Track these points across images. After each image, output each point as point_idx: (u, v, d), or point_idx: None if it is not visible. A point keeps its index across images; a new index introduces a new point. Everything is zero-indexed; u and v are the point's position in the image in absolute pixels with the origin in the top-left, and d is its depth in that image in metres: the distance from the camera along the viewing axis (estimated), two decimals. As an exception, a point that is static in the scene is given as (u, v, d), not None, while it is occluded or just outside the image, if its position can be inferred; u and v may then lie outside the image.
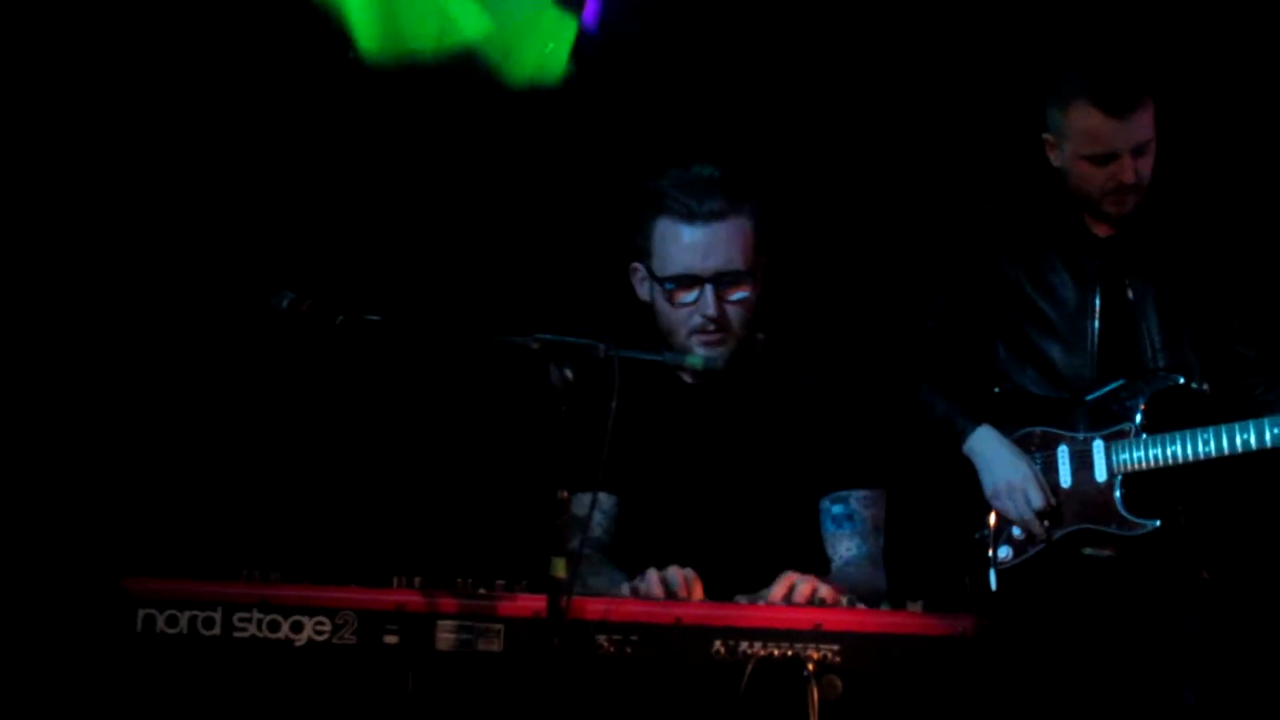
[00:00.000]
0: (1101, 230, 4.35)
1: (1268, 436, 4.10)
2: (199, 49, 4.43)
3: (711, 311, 3.68)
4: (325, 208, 4.71)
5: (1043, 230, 4.38)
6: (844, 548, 3.71)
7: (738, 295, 3.71)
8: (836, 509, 3.73)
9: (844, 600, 3.22)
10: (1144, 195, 4.28)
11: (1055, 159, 4.31)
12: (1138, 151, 4.20)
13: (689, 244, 3.68)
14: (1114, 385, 4.29)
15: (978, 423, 4.31)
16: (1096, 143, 4.19)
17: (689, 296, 3.70)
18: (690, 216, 3.68)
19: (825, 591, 3.26)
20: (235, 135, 4.50)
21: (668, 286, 3.71)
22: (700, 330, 3.70)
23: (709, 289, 3.68)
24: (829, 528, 3.73)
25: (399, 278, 4.72)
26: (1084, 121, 4.19)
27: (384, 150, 4.78)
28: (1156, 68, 4.28)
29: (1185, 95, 4.67)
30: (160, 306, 4.43)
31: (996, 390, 4.40)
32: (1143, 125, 4.19)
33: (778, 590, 3.28)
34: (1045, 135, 4.32)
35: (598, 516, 3.73)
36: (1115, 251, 4.34)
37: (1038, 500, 4.23)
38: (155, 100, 4.38)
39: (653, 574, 3.33)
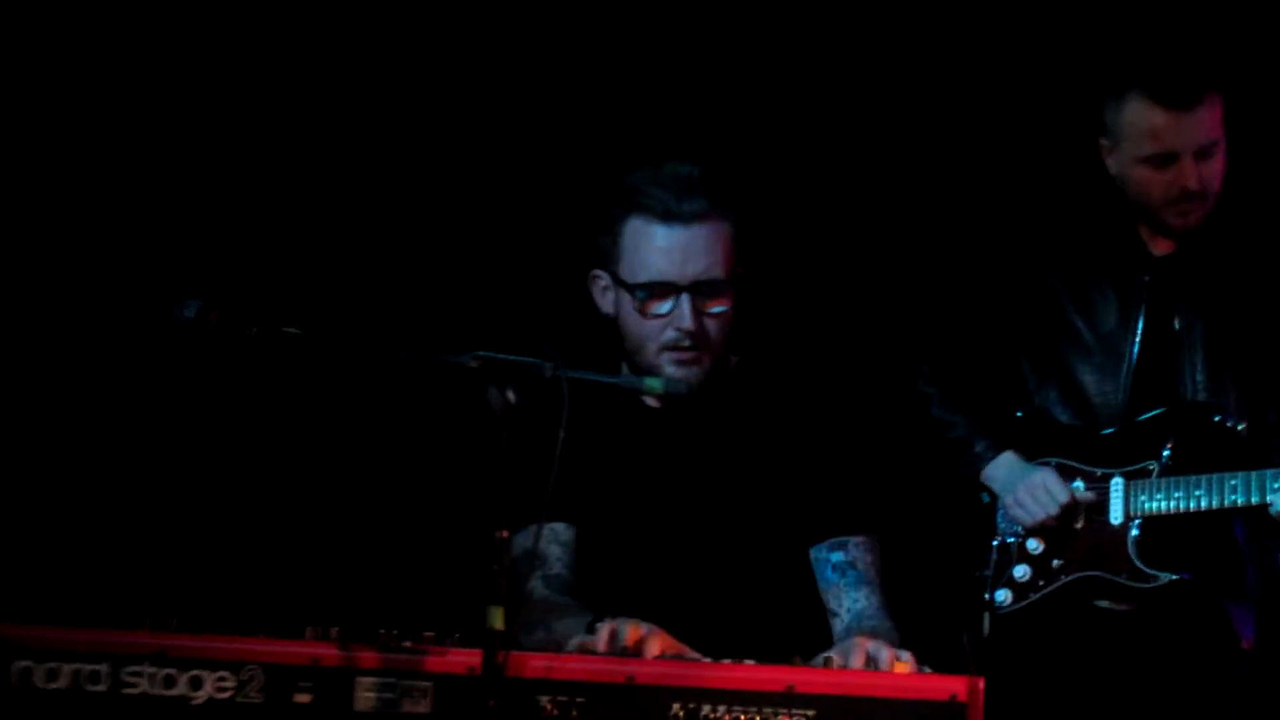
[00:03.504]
0: (1159, 247, 4.42)
1: None
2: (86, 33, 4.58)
3: (688, 324, 3.70)
4: (238, 204, 4.74)
5: (1091, 241, 4.44)
6: (850, 599, 3.75)
7: (717, 308, 3.73)
8: (836, 556, 3.77)
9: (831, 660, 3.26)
10: (1212, 208, 4.34)
11: (1112, 165, 4.38)
12: (1201, 154, 4.26)
13: (665, 247, 3.71)
14: (1142, 418, 4.35)
15: (1001, 448, 4.39)
16: (1154, 142, 4.25)
17: (662, 307, 3.72)
18: (667, 216, 3.70)
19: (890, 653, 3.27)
20: (133, 120, 4.61)
21: (639, 295, 3.73)
22: (674, 346, 3.72)
23: (685, 299, 3.71)
24: (830, 577, 3.77)
25: (322, 285, 4.76)
26: (1140, 118, 4.27)
27: (306, 136, 4.84)
28: (1225, 61, 4.35)
29: (1261, 96, 4.73)
30: (47, 313, 4.47)
31: (1019, 414, 4.48)
32: (1207, 123, 4.26)
33: (856, 657, 3.26)
34: (1101, 140, 4.38)
35: (556, 550, 3.75)
36: (1169, 272, 4.41)
37: (1062, 493, 4.30)
38: (42, 87, 4.51)
39: (603, 627, 3.33)
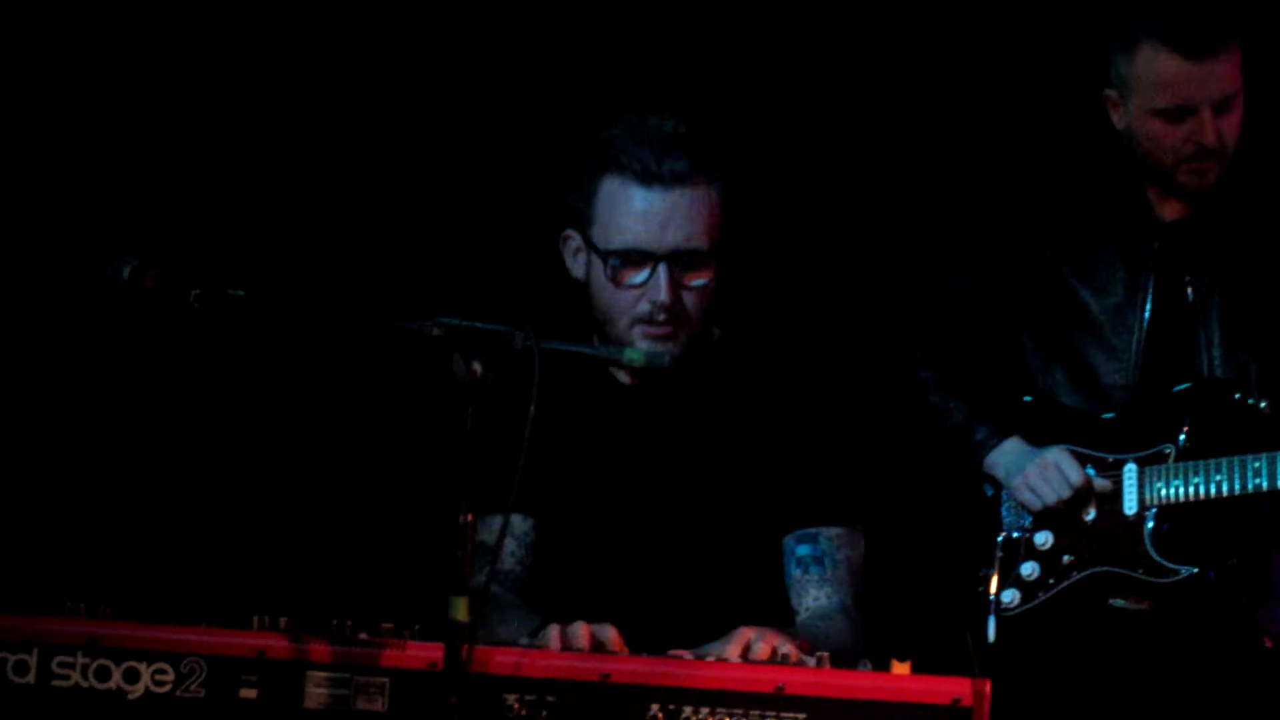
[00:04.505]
0: (1169, 211, 4.38)
1: None
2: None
3: (663, 298, 3.66)
4: (181, 155, 4.75)
5: (1094, 205, 4.41)
6: (811, 597, 3.73)
7: (696, 281, 3.70)
8: (803, 550, 3.75)
9: (811, 660, 3.20)
10: (1226, 167, 4.30)
11: (1119, 120, 4.34)
12: (1221, 107, 4.22)
13: (643, 211, 3.67)
14: (1156, 397, 4.32)
15: (1004, 434, 4.36)
16: (1170, 93, 4.21)
17: (637, 277, 3.68)
18: (647, 177, 3.66)
19: (789, 649, 3.26)
20: (64, 65, 4.63)
21: (611, 263, 3.69)
22: (646, 320, 3.68)
23: (662, 269, 3.66)
24: (794, 571, 3.75)
25: (270, 243, 4.75)
26: (1155, 67, 4.22)
27: (251, 80, 4.85)
28: (1244, 9, 4.29)
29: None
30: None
31: (1027, 399, 4.44)
32: (1226, 74, 4.21)
33: (732, 648, 3.27)
34: (1107, 91, 4.35)
35: (509, 544, 3.74)
36: (1180, 239, 4.37)
37: (1076, 474, 4.27)
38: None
39: (553, 630, 3.32)
